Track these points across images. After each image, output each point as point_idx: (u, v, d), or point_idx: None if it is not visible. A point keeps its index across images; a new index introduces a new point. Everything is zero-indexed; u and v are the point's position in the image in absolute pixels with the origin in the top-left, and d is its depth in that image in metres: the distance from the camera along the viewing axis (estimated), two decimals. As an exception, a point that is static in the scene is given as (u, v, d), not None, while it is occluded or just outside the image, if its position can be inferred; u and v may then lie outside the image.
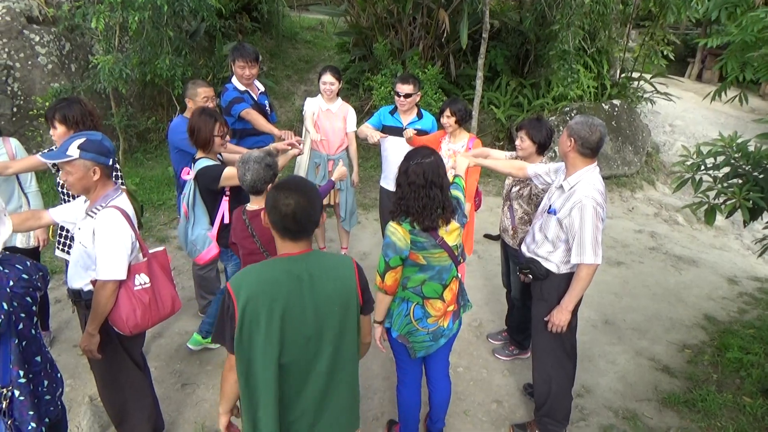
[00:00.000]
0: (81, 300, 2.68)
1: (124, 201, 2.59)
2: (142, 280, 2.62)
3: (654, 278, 5.60)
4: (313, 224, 2.00)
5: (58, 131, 3.10)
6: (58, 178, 3.31)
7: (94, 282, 2.53)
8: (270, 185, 2.91)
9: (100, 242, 2.47)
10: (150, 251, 2.76)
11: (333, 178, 3.60)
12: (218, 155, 3.50)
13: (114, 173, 2.83)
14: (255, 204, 2.99)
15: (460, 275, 2.92)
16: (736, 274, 5.89)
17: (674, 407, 3.72)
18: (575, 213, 2.86)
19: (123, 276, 2.52)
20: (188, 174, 3.40)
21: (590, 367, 4.12)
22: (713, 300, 5.26)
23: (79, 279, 2.65)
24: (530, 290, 3.33)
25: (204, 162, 3.29)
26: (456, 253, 2.72)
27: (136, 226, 2.64)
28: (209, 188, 3.31)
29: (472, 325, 4.52)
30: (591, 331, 4.59)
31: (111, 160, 2.51)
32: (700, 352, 4.35)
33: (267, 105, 4.63)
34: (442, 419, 3.22)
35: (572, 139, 2.89)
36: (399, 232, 2.58)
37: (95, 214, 2.50)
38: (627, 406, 3.72)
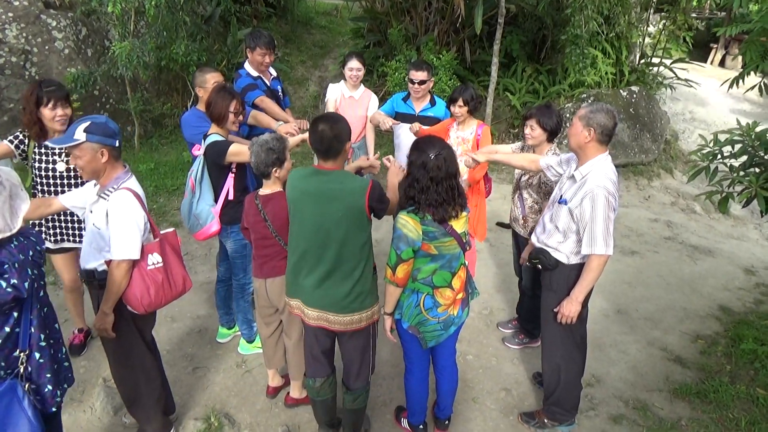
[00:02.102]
0: (94, 280, 2.73)
1: (135, 183, 2.65)
2: (155, 259, 2.67)
3: (669, 268, 5.54)
4: (336, 150, 2.61)
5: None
6: (37, 165, 3.35)
7: (108, 262, 2.58)
8: (274, 168, 2.92)
9: (113, 223, 2.52)
10: (161, 232, 2.81)
11: (365, 164, 3.26)
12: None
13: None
14: (267, 188, 3.00)
15: (467, 263, 2.91)
16: (754, 264, 5.80)
17: (686, 398, 3.69)
18: (586, 203, 2.82)
19: (137, 255, 2.57)
20: (199, 150, 3.43)
21: (601, 356, 4.10)
22: (729, 290, 5.19)
23: (92, 260, 2.70)
24: (540, 280, 3.31)
25: (214, 137, 3.31)
26: (464, 240, 2.72)
27: (146, 207, 2.68)
28: (216, 163, 3.32)
29: (482, 314, 4.51)
30: (603, 320, 4.56)
31: (117, 141, 2.55)
32: (713, 343, 4.30)
33: (280, 90, 4.61)
34: (450, 406, 3.23)
35: (591, 129, 2.83)
36: (410, 224, 2.57)
37: (108, 196, 2.55)
38: (637, 396, 3.70)
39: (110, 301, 2.60)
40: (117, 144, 2.55)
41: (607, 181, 2.81)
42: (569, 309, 2.97)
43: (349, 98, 4.66)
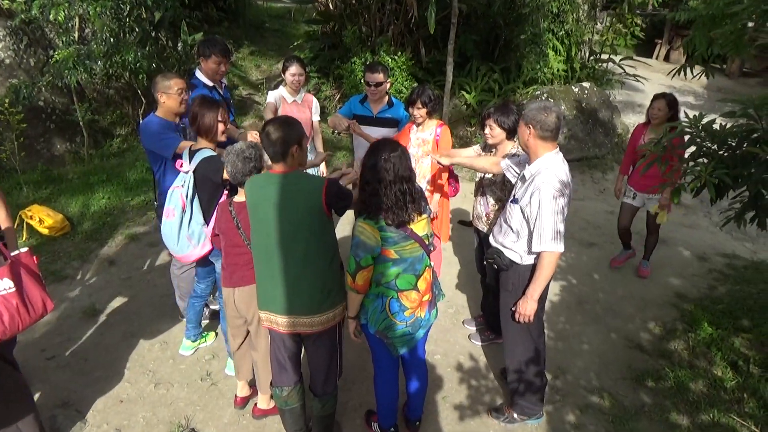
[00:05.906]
0: None
1: None
2: (5, 285, 2.53)
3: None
4: (282, 152, 2.59)
5: None
6: None
7: None
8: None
9: None
10: (12, 254, 2.66)
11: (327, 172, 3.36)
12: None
13: None
14: (242, 196, 2.94)
15: (432, 264, 2.91)
16: (705, 251, 6.00)
17: (648, 384, 3.78)
18: (534, 200, 2.85)
19: None
20: (181, 166, 3.29)
21: (565, 347, 4.17)
22: (684, 277, 5.35)
23: None
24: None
25: (206, 152, 3.21)
26: (427, 243, 2.71)
27: None
28: (212, 180, 3.20)
29: (447, 312, 4.53)
30: (565, 312, 4.64)
31: None
32: (671, 330, 4.43)
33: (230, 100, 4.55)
34: (420, 407, 3.23)
35: (530, 126, 2.87)
36: (367, 231, 2.54)
37: None
38: (602, 385, 3.77)
39: None
40: None
41: (554, 179, 2.83)
42: (525, 308, 2.99)
43: (293, 103, 4.63)
